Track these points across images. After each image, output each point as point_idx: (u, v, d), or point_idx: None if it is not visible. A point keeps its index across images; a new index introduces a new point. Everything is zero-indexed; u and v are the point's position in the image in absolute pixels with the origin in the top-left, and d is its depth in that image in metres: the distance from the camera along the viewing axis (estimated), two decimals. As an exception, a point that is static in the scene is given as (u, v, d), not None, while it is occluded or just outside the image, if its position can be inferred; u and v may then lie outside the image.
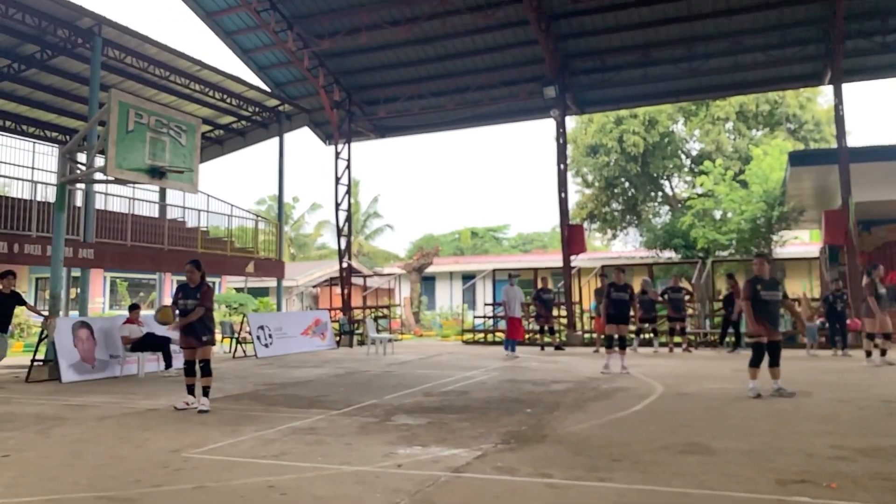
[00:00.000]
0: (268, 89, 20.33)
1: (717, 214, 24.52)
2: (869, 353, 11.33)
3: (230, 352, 16.06)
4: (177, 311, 7.91)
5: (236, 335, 16.13)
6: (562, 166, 19.47)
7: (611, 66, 19.31)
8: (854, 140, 33.04)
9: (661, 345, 15.96)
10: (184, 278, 8.15)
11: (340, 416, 7.01)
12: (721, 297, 16.38)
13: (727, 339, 15.22)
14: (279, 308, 20.16)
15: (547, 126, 25.90)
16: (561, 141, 19.48)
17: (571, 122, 32.69)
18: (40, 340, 11.47)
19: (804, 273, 22.61)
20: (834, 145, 17.50)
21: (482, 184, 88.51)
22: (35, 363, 11.07)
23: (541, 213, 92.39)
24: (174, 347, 11.96)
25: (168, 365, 11.68)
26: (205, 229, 18.48)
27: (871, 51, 17.41)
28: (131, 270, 23.40)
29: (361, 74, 21.29)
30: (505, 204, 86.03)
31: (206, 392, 7.62)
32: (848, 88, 29.47)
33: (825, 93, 28.65)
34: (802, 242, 31.28)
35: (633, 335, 15.26)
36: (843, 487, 4.11)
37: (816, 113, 30.17)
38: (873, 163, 17.22)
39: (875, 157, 17.45)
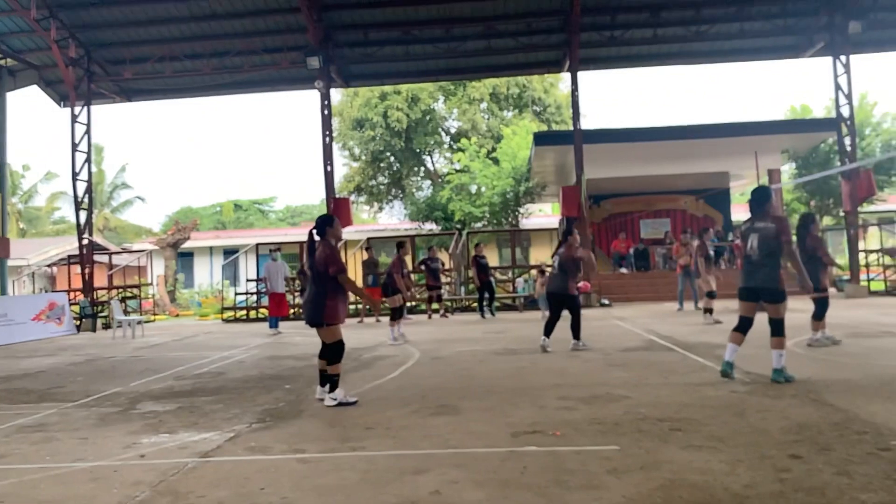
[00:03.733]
0: (-17, 39, 17.47)
1: (473, 189, 26.16)
2: (707, 311, 11.77)
3: (-61, 344, 13.79)
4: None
5: (-53, 324, 13.88)
6: (327, 139, 19.32)
7: (374, 40, 19.47)
8: (587, 123, 37.10)
9: (422, 312, 16.77)
10: None
11: (76, 409, 6.35)
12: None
13: (486, 304, 16.31)
14: (4, 291, 17.67)
15: (313, 97, 25.44)
16: (326, 113, 19.30)
17: (337, 94, 32.62)
18: None
19: (546, 242, 25.03)
20: (571, 128, 19.47)
21: (247, 155, 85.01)
22: None
23: (310, 185, 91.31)
24: None
25: None
26: None
27: (602, 43, 19.50)
28: None
29: (103, 30, 19.09)
30: (272, 176, 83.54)
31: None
32: (584, 76, 32.90)
33: (565, 79, 31.71)
34: (546, 214, 34.61)
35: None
36: (566, 434, 4.61)
37: (558, 97, 33.30)
38: (602, 144, 19.54)
39: (603, 140, 19.83)
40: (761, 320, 6.21)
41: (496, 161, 25.16)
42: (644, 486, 3.49)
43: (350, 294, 6.25)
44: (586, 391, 6.08)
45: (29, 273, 27.85)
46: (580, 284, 16.05)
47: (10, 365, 10.29)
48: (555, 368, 7.52)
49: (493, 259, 27.55)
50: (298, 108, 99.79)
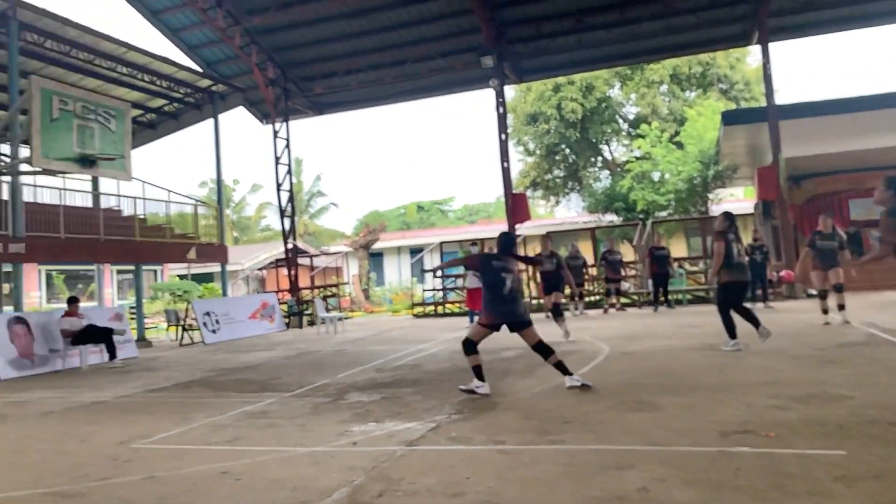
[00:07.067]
0: (199, 69, 19.72)
1: (656, 176, 25.08)
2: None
3: (177, 339, 15.81)
4: None
5: (182, 323, 15.88)
6: (503, 136, 19.53)
7: (546, 33, 19.33)
8: (782, 98, 34.04)
9: (597, 306, 16.45)
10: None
11: (293, 398, 6.98)
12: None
13: (662, 297, 15.72)
14: (225, 293, 19.83)
15: (487, 96, 25.97)
16: (501, 111, 19.51)
17: (510, 91, 32.75)
18: (-27, 340, 11.02)
19: (739, 229, 23.35)
20: (763, 104, 17.99)
21: (426, 157, 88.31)
22: (-31, 364, 10.66)
23: (485, 183, 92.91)
24: (117, 338, 11.69)
25: (112, 356, 11.39)
26: (142, 217, 17.93)
27: (794, 10, 17.84)
28: (67, 263, 22.60)
29: (295, 50, 20.82)
30: (449, 176, 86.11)
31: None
32: (775, 47, 30.23)
33: (753, 52, 29.40)
34: (737, 199, 32.28)
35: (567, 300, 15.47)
36: (780, 436, 4.28)
37: (746, 73, 30.91)
38: (800, 119, 17.82)
39: (802, 114, 18.07)
40: None
41: (680, 145, 23.93)
42: (881, 497, 3.14)
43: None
44: (800, 390, 5.60)
45: (243, 276, 31.09)
46: (783, 273, 14.82)
47: (235, 359, 11.54)
48: (761, 365, 7.01)
49: (680, 249, 26.26)
50: (471, 106, 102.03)
